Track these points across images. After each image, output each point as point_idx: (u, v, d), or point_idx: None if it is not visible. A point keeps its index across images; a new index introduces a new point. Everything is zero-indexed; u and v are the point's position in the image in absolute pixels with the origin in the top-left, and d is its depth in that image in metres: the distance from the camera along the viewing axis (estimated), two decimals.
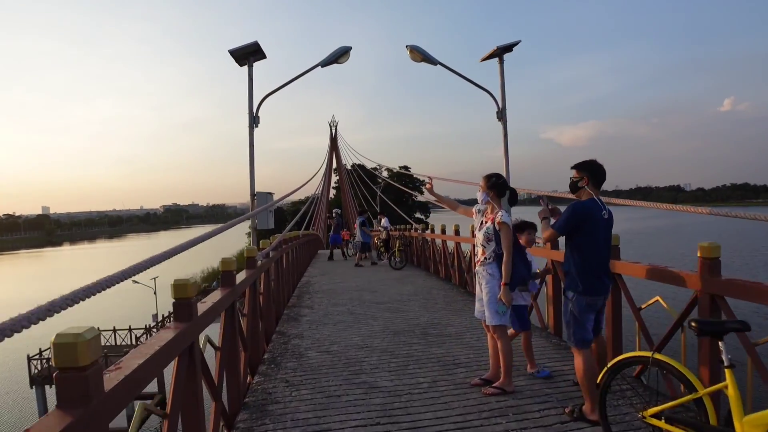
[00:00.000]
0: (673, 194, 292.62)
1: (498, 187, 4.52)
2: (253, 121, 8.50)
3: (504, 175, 6.00)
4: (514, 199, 4.83)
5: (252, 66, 8.32)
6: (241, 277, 5.23)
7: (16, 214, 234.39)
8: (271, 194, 9.47)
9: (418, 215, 74.79)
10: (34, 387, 23.60)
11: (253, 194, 8.64)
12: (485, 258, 4.47)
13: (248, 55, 8.21)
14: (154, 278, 27.94)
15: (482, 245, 4.51)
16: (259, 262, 6.25)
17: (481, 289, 4.52)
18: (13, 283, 66.40)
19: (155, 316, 30.97)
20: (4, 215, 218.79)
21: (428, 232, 15.19)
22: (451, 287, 10.87)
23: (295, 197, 37.80)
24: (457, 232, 12.04)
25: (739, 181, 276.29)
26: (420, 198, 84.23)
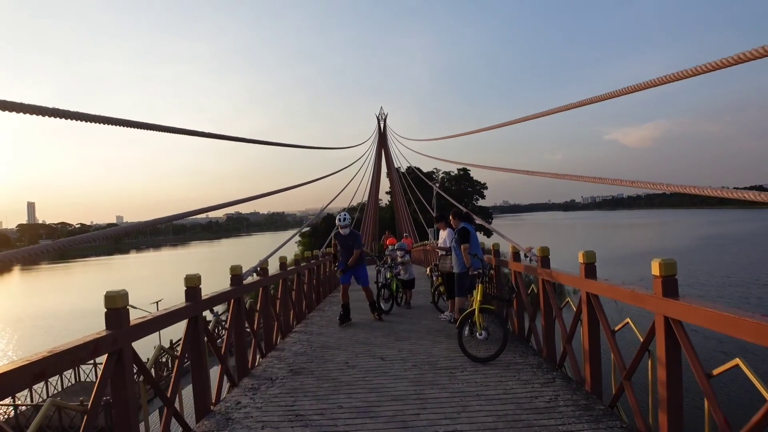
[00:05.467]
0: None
1: None
2: None
3: None
4: None
5: None
6: None
7: (94, 224, 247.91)
8: None
9: (479, 222, 68.99)
10: None
11: None
12: None
13: None
14: (157, 302, 23.15)
15: None
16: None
17: None
18: (81, 292, 66.30)
19: (159, 347, 24.58)
20: (78, 224, 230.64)
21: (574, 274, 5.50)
22: None
23: (342, 203, 34.15)
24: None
25: None
26: (481, 202, 79.54)
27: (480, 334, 6.51)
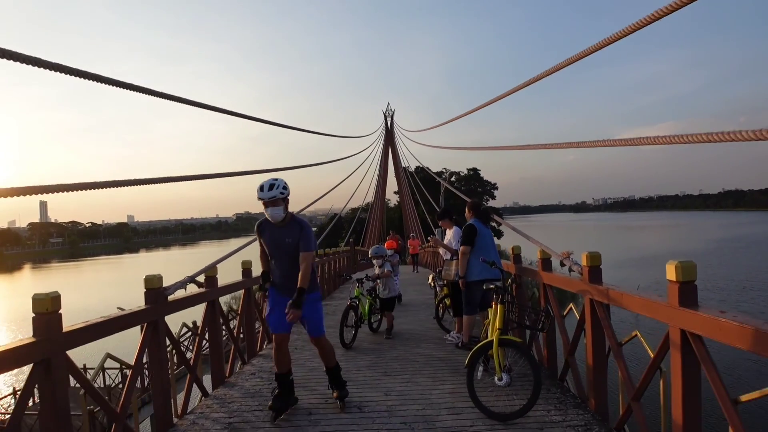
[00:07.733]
0: None
1: None
2: None
3: None
4: None
5: None
6: None
7: (105, 223, 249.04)
8: None
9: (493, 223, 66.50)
10: None
11: None
12: None
13: None
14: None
15: None
16: None
17: None
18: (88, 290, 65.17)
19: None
20: (88, 223, 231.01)
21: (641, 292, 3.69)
22: None
23: (341, 202, 32.59)
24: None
25: None
26: (491, 203, 77.31)
27: (500, 379, 4.38)
